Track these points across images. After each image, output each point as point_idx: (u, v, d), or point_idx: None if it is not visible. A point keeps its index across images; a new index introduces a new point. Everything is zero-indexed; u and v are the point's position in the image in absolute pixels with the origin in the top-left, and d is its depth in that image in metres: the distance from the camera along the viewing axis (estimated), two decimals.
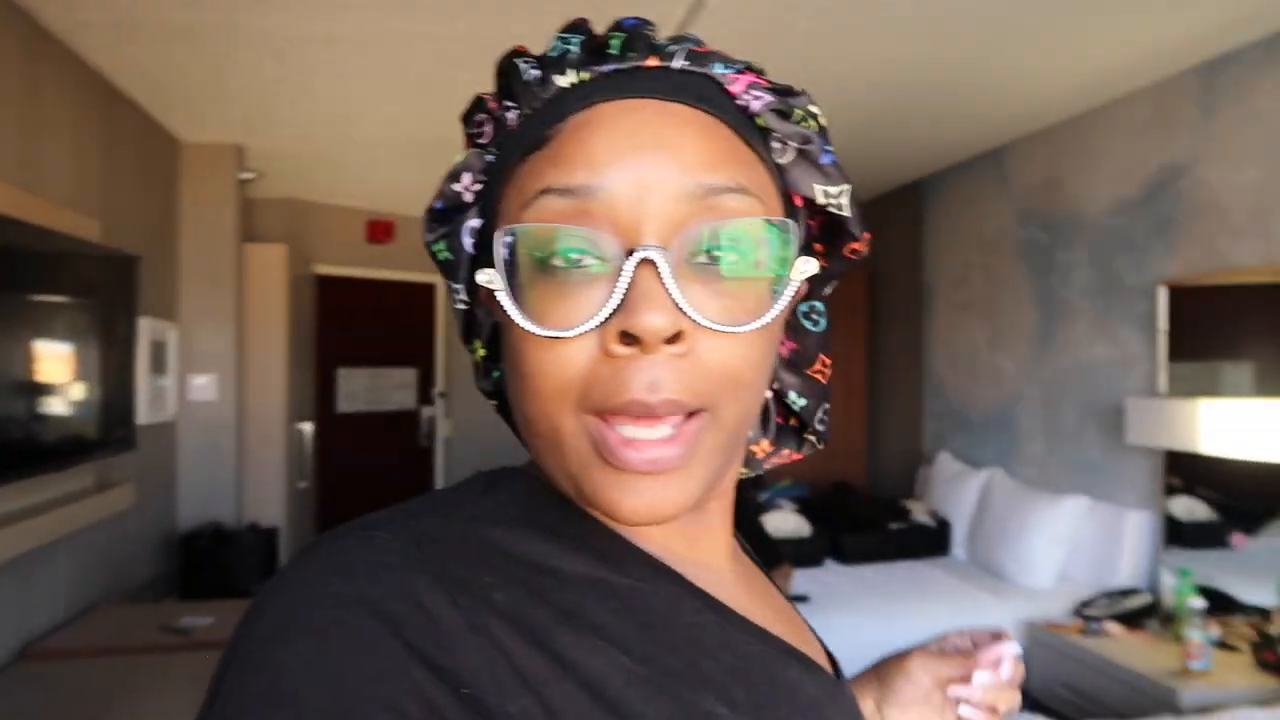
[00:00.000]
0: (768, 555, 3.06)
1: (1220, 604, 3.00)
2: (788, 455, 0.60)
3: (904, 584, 3.85)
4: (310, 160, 4.46)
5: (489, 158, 0.49)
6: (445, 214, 0.51)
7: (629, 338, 0.41)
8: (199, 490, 4.08)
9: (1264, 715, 2.33)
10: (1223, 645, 2.85)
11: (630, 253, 0.41)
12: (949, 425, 4.82)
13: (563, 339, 0.42)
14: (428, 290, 5.99)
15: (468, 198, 0.50)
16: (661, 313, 0.40)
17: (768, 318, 0.44)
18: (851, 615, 3.51)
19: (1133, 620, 3.19)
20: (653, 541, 0.50)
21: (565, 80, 0.46)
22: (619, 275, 0.41)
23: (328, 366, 5.52)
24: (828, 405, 0.58)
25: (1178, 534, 3.31)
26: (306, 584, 0.39)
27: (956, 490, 4.40)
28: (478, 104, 0.50)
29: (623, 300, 0.41)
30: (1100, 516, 3.60)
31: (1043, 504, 3.75)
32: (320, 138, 4.06)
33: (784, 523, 4.20)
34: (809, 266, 0.45)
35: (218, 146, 4.08)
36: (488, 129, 0.49)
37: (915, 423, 5.17)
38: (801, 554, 4.06)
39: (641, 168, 0.42)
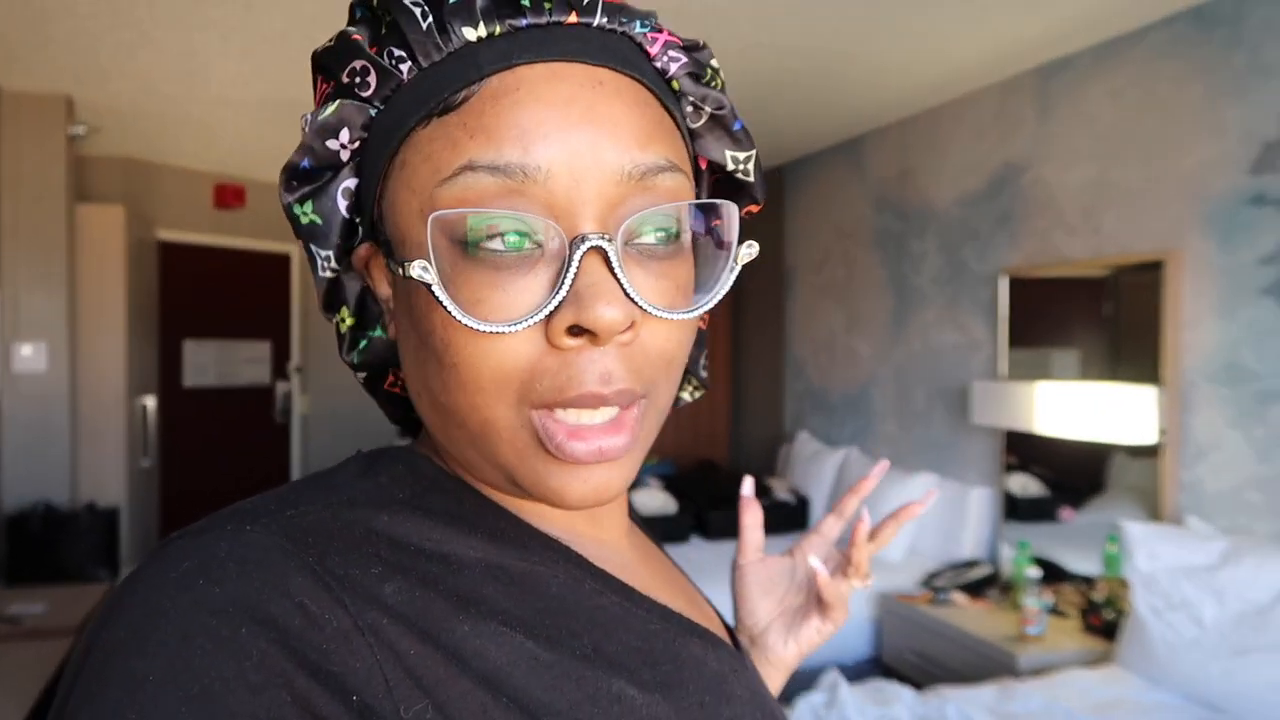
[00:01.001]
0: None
1: (1052, 574, 3.23)
2: None
3: None
4: (151, 117, 4.15)
5: (372, 112, 0.43)
6: (310, 173, 0.45)
7: (577, 330, 0.39)
8: (26, 468, 3.78)
9: (1091, 674, 2.52)
10: (1055, 611, 3.07)
11: (575, 240, 0.39)
12: (809, 405, 4.98)
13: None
14: (282, 261, 5.71)
15: (344, 156, 0.44)
16: (616, 305, 0.39)
17: (711, 301, 0.44)
18: (716, 589, 3.57)
19: (976, 590, 3.39)
20: (554, 523, 0.48)
21: (474, 33, 0.40)
22: (561, 263, 0.39)
23: (173, 338, 5.19)
24: (706, 351, 0.60)
25: (1014, 509, 3.54)
26: (167, 585, 0.35)
27: (815, 468, 4.56)
28: (350, 47, 0.43)
29: (569, 291, 0.39)
30: (947, 493, 3.80)
31: (894, 481, 3.93)
32: (162, 93, 3.78)
33: (651, 500, 4.25)
34: (751, 251, 0.45)
35: (43, 96, 3.75)
36: (371, 80, 0.42)
37: (776, 402, 5.32)
38: (668, 530, 4.13)
39: (576, 146, 0.39)
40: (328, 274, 0.48)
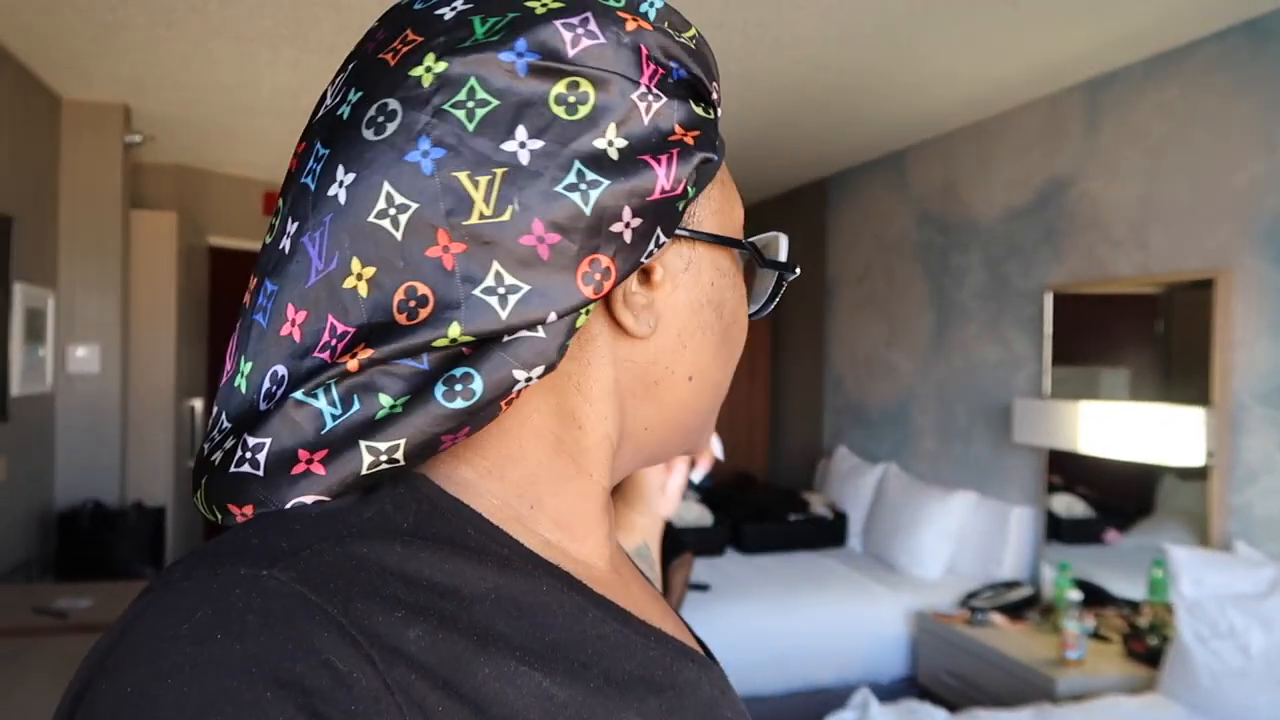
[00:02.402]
0: (671, 544, 3.08)
1: (1095, 597, 3.16)
2: None
3: (801, 574, 3.94)
4: (204, 126, 4.26)
5: (702, 155, 0.44)
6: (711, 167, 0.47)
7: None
8: (79, 466, 3.87)
9: (1132, 701, 2.46)
10: (1096, 636, 3.01)
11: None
12: (848, 420, 4.94)
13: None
14: None
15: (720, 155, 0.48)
16: None
17: None
18: (750, 604, 3.57)
19: (1015, 611, 3.33)
20: (554, 547, 0.47)
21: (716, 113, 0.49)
22: (795, 275, 0.55)
23: (221, 342, 5.29)
24: None
25: (1057, 530, 3.48)
26: (180, 640, 0.31)
27: (853, 483, 4.52)
28: (710, 66, 0.48)
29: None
30: (987, 511, 3.74)
31: (934, 498, 3.88)
32: (214, 103, 3.88)
33: (687, 512, 4.24)
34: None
35: (102, 105, 3.86)
36: (717, 102, 0.48)
37: (816, 417, 5.28)
38: (703, 543, 4.12)
39: None
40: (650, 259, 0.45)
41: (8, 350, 3.05)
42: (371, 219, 0.40)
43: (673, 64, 0.44)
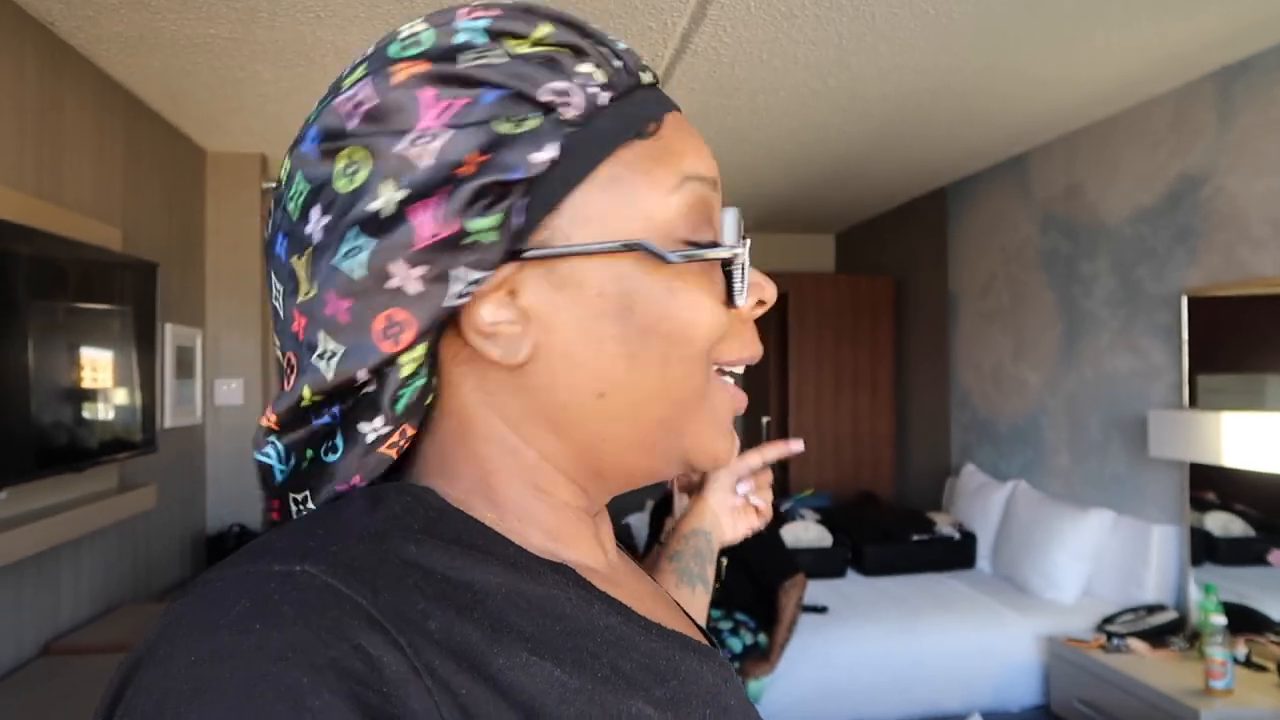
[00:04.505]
0: (782, 566, 3.03)
1: (1252, 622, 2.92)
2: None
3: (924, 596, 3.80)
4: None
5: (569, 130, 0.44)
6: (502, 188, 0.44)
7: (761, 303, 0.52)
8: (227, 493, 4.16)
9: None
10: (1250, 664, 2.78)
11: (746, 238, 0.50)
12: (975, 436, 4.75)
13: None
14: None
15: (539, 170, 0.44)
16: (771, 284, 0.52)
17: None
18: (870, 626, 3.48)
19: (1158, 637, 3.11)
20: (554, 548, 0.50)
21: (647, 77, 0.49)
22: (736, 255, 0.49)
23: None
24: None
25: (1213, 551, 3.22)
26: (221, 630, 0.33)
27: (982, 502, 4.34)
28: (562, 64, 0.45)
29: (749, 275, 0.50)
30: (1125, 530, 3.52)
31: (1067, 517, 3.68)
32: None
33: (805, 533, 4.16)
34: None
35: (240, 155, 4.18)
36: (576, 99, 0.44)
37: (942, 434, 5.10)
38: (821, 564, 4.03)
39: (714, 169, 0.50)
40: (465, 299, 0.45)
41: (158, 386, 3.31)
42: (271, 301, 0.48)
43: (479, 90, 0.43)
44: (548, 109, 0.44)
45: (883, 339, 5.60)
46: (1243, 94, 3.04)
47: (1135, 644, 3.05)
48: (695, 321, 0.47)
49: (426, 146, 0.42)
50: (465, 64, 0.43)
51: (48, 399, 2.48)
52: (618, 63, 0.47)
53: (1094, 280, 3.80)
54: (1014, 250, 4.38)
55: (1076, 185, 3.91)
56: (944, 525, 4.34)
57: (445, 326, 0.45)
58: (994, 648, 3.44)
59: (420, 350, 0.44)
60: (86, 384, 2.71)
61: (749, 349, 0.52)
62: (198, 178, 4.08)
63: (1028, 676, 3.41)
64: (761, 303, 0.51)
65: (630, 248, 0.45)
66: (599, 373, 0.46)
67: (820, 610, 3.56)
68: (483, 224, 0.43)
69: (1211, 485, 3.21)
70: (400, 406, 0.45)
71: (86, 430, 2.71)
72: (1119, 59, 3.07)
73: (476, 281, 0.44)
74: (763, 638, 3.08)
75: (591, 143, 0.45)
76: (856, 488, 5.40)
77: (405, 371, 0.44)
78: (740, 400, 0.53)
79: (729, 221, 0.50)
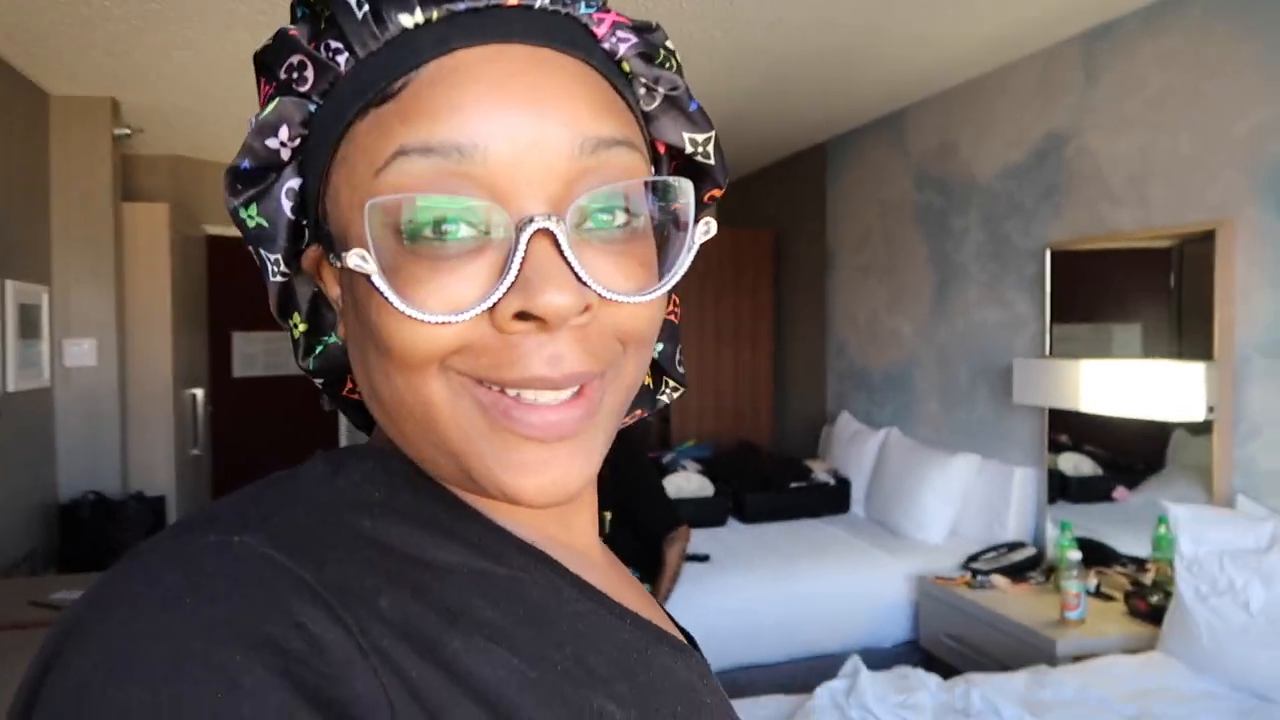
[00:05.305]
0: (666, 517, 3.06)
1: (1101, 556, 3.13)
2: (637, 415, 0.56)
3: (803, 542, 3.92)
4: (193, 116, 4.22)
5: (311, 108, 0.41)
6: (252, 174, 0.43)
7: (525, 315, 0.37)
8: (80, 459, 3.90)
9: (1131, 660, 2.44)
10: (1100, 595, 2.98)
11: (521, 223, 0.37)
12: (851, 386, 4.90)
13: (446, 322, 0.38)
14: None
15: (285, 155, 0.42)
16: (567, 291, 0.36)
17: (669, 282, 0.42)
18: (751, 573, 3.56)
19: (1018, 573, 3.30)
20: (529, 526, 0.46)
21: (411, 19, 0.39)
22: (508, 247, 0.37)
23: (222, 330, 5.31)
24: (681, 346, 0.56)
25: (1065, 489, 3.43)
26: (149, 604, 0.31)
27: (856, 449, 4.49)
28: (287, 43, 0.41)
29: (517, 276, 0.37)
30: (990, 473, 3.71)
31: (936, 462, 3.84)
32: (202, 92, 3.85)
33: (687, 483, 4.22)
34: (710, 228, 0.43)
35: (89, 99, 3.84)
36: (308, 74, 0.41)
37: (819, 383, 5.24)
38: (703, 514, 4.10)
39: (517, 121, 0.37)
40: (278, 279, 0.46)
41: (1, 347, 3.05)
42: None
43: (294, 58, 0.42)
44: (285, 87, 0.41)
45: (763, 291, 5.69)
46: (1106, 55, 3.17)
47: (998, 580, 3.23)
48: (387, 334, 0.38)
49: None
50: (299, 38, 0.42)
51: None
52: (364, 9, 0.39)
53: (965, 234, 3.93)
54: (890, 205, 4.50)
55: (950, 142, 4.02)
56: (820, 472, 4.48)
57: None
58: (868, 589, 3.59)
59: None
60: None
61: (507, 370, 0.38)
62: (40, 123, 3.74)
63: (899, 614, 3.58)
64: (524, 315, 0.37)
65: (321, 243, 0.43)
66: (357, 374, 0.44)
67: (703, 559, 3.62)
68: (247, 213, 0.43)
69: (1066, 428, 3.41)
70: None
71: None
72: (991, 19, 3.15)
73: (278, 262, 0.45)
74: (647, 588, 3.10)
75: (329, 118, 0.41)
76: (737, 437, 5.50)
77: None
78: (537, 428, 0.39)
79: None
